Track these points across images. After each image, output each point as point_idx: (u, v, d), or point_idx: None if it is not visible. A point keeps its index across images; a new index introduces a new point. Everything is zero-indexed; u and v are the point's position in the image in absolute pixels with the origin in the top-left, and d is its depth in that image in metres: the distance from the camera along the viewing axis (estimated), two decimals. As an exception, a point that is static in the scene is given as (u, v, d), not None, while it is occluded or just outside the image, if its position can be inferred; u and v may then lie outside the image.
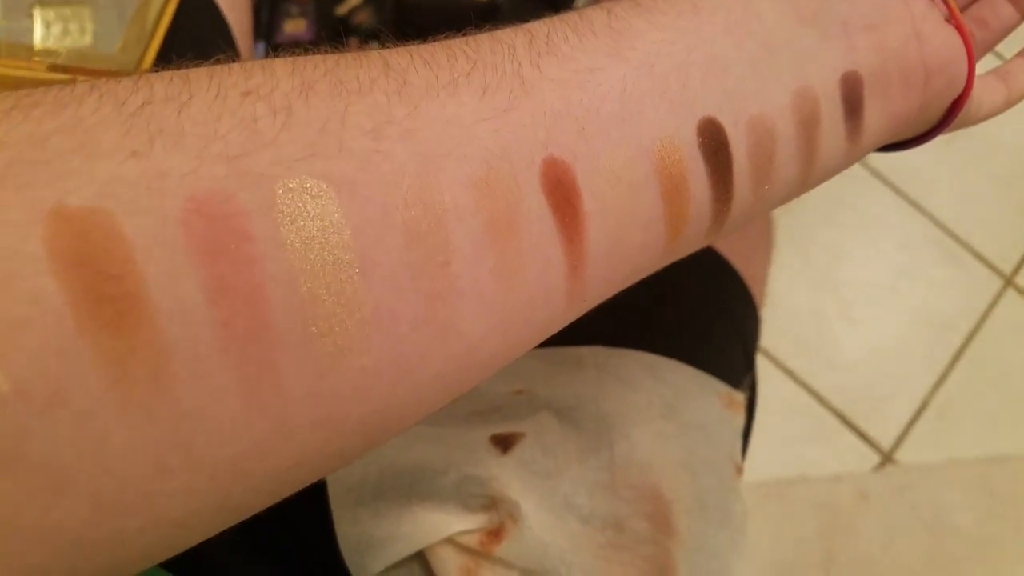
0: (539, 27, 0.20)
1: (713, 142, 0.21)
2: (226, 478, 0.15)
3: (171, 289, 0.14)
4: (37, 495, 0.13)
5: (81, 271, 0.13)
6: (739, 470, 0.40)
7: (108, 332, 0.14)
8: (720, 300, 0.44)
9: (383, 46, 0.19)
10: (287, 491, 0.17)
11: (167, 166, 0.14)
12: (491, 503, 0.31)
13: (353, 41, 0.84)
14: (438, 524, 0.30)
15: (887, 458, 0.98)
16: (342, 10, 0.86)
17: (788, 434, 0.97)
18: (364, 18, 0.86)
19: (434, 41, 0.20)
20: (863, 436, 0.99)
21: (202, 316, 0.14)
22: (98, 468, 0.14)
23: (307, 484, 0.18)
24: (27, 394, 0.13)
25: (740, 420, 0.40)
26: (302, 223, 0.15)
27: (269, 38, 0.83)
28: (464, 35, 0.20)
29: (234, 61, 0.18)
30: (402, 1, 0.83)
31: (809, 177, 0.24)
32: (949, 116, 0.28)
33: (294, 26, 0.84)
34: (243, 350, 0.15)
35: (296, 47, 0.82)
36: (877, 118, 0.25)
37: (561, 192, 0.19)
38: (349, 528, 0.30)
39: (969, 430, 1.00)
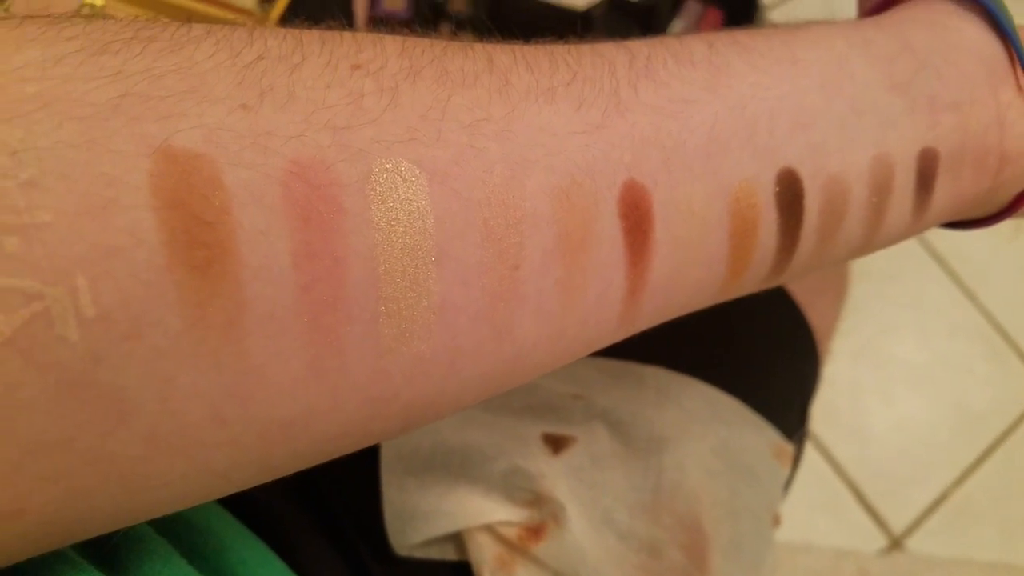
0: (640, 48, 0.20)
1: (789, 193, 0.21)
2: (274, 438, 0.16)
3: (260, 246, 0.14)
4: (98, 421, 0.14)
5: (179, 212, 0.14)
6: (776, 521, 0.39)
7: (195, 275, 0.14)
8: (790, 350, 0.43)
9: (474, 34, 0.19)
10: (322, 459, 0.18)
11: (274, 125, 0.15)
12: (536, 500, 0.31)
13: (445, 26, 0.85)
14: (481, 509, 0.30)
15: (895, 543, 0.96)
16: (443, -6, 0.87)
17: (800, 499, 0.95)
18: (460, 6, 0.87)
19: (537, 44, 0.20)
20: (875, 516, 0.97)
21: (284, 277, 0.14)
22: (159, 406, 0.14)
23: (339, 456, 0.18)
24: (108, 321, 0.13)
25: (786, 472, 0.40)
26: (391, 204, 0.15)
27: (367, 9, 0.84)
28: (566, 42, 0.20)
29: (344, 28, 0.18)
30: (501, -4, 0.83)
31: (869, 244, 0.24)
32: (1015, 204, 0.27)
33: (393, 2, 0.85)
34: (316, 317, 0.15)
35: (391, 23, 0.82)
36: (944, 196, 0.25)
37: (635, 217, 0.19)
38: (395, 495, 0.30)
39: (984, 532, 0.98)
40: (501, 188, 0.17)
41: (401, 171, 0.16)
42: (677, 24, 0.82)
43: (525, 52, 0.19)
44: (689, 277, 0.20)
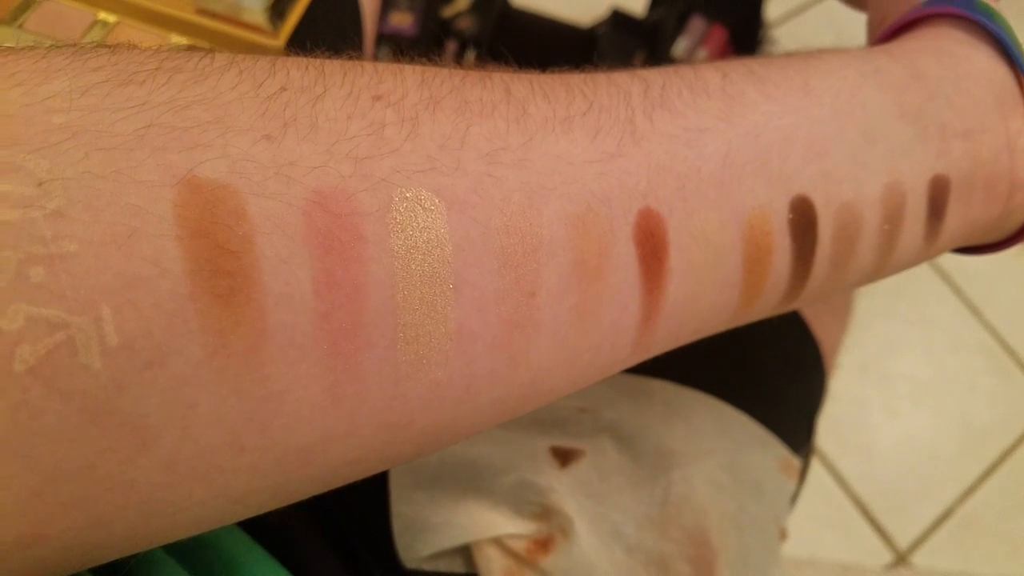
0: (655, 77, 0.20)
1: (803, 220, 0.21)
2: (291, 463, 0.16)
3: (282, 274, 0.14)
4: (119, 448, 0.14)
5: (203, 241, 0.14)
6: (783, 535, 0.39)
7: (218, 304, 0.14)
8: (798, 366, 0.43)
9: (480, 52, 0.19)
10: (337, 484, 0.18)
11: (297, 155, 0.15)
12: (544, 513, 0.31)
13: (451, 44, 0.86)
14: (490, 522, 0.30)
15: (901, 558, 0.96)
16: (448, 12, 0.88)
17: (806, 513, 0.95)
18: (467, 24, 0.88)
19: (553, 74, 0.20)
20: (881, 531, 0.96)
21: (305, 305, 0.15)
22: (180, 433, 0.14)
23: (353, 481, 0.18)
24: (131, 350, 0.13)
25: (792, 486, 0.40)
26: (410, 232, 0.16)
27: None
28: (581, 71, 0.20)
29: (360, 53, 0.18)
30: (507, 16, 0.84)
31: (881, 270, 0.25)
32: None
33: (400, 19, 0.86)
34: (335, 344, 0.15)
35: (397, 40, 0.82)
36: (956, 222, 0.25)
37: (651, 244, 0.19)
38: (404, 507, 0.30)
39: (989, 547, 0.98)
40: (518, 216, 0.17)
41: (421, 200, 0.16)
42: (682, 42, 0.82)
43: (542, 82, 0.19)
44: (703, 303, 0.21)
